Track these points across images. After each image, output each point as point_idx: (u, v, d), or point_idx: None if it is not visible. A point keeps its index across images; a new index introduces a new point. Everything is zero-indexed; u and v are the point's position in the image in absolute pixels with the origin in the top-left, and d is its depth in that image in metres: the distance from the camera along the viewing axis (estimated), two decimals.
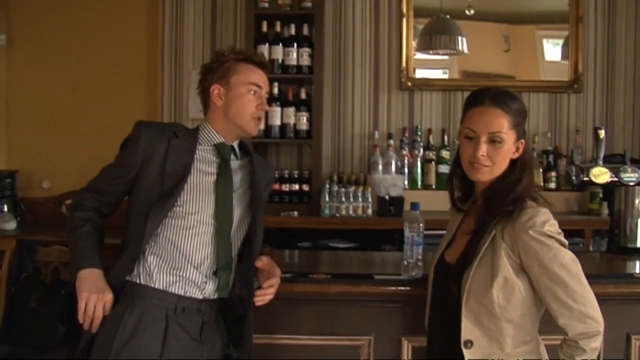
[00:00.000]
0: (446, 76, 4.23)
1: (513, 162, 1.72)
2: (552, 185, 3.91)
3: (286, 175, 3.85)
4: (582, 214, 3.80)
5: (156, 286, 1.79)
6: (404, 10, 4.08)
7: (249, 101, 1.91)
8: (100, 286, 1.76)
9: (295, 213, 3.68)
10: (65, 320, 3.05)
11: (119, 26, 4.21)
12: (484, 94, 1.72)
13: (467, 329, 1.65)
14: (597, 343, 1.61)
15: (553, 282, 1.60)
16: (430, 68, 4.23)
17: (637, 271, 2.47)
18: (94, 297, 1.74)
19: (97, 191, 1.91)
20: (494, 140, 1.69)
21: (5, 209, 4.01)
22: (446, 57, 4.21)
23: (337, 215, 3.63)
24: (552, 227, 1.63)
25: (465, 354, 1.65)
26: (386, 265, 2.58)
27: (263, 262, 1.95)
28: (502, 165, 1.71)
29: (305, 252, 3.24)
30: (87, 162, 4.14)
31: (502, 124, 1.69)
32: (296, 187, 3.82)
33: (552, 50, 4.23)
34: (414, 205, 2.09)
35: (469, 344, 1.65)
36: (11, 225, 3.96)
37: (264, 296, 1.90)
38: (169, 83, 4.13)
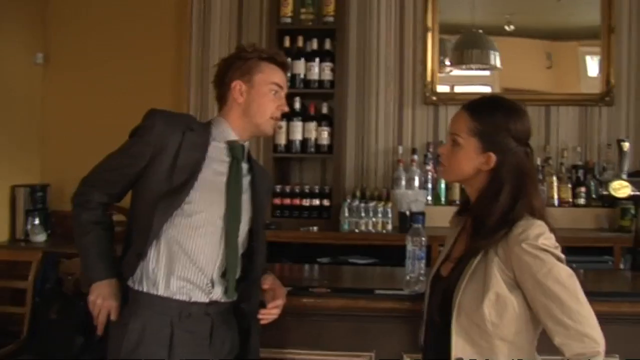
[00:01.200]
0: (473, 90, 4.16)
1: (493, 178, 1.64)
2: (582, 201, 3.76)
3: (307, 190, 3.83)
4: (613, 231, 3.64)
5: (159, 294, 1.76)
6: (429, 24, 4.04)
7: (270, 101, 1.89)
8: (108, 293, 1.77)
9: (315, 228, 3.65)
10: (84, 331, 3.14)
11: (150, 43, 4.30)
12: (471, 100, 1.70)
13: (458, 347, 1.58)
14: None
15: (548, 299, 1.52)
16: (468, 84, 4.18)
17: None
18: (99, 302, 1.77)
19: (103, 182, 1.84)
20: (453, 141, 1.67)
21: (37, 221, 4.14)
22: (487, 72, 4.14)
23: (357, 230, 3.58)
24: (547, 240, 1.56)
25: None
26: (393, 280, 2.53)
27: (268, 282, 1.93)
28: (458, 169, 1.67)
29: (320, 266, 3.21)
30: None
31: (461, 127, 1.66)
32: (317, 202, 3.80)
33: (594, 65, 4.11)
34: (416, 219, 2.06)
35: None
36: (41, 237, 4.07)
37: (268, 315, 1.88)
38: (195, 100, 4.19)
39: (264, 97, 1.88)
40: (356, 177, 4.06)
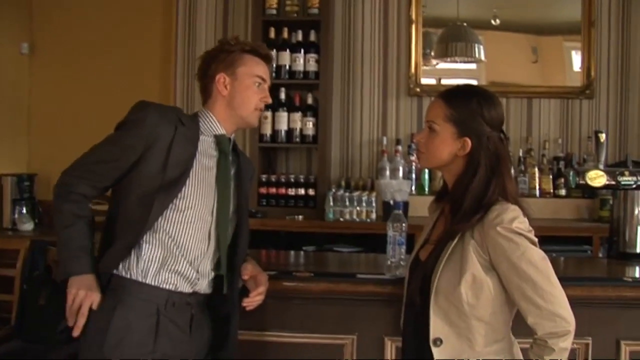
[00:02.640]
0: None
1: (469, 162, 1.69)
2: (563, 192, 3.85)
3: (292, 180, 3.88)
4: (593, 221, 3.73)
5: (148, 282, 1.77)
6: (413, 17, 4.09)
7: (254, 93, 1.91)
8: (90, 285, 1.74)
9: (300, 217, 3.70)
10: None
11: (135, 34, 4.34)
12: (446, 89, 1.76)
13: (437, 327, 1.64)
14: (566, 343, 1.58)
15: (521, 280, 1.58)
16: (454, 77, 4.23)
17: (637, 276, 2.41)
18: (82, 294, 1.73)
19: (90, 174, 1.80)
20: (430, 128, 1.73)
21: (24, 210, 4.15)
22: (473, 65, 4.20)
23: (341, 219, 3.64)
24: (521, 224, 1.61)
25: (434, 352, 1.63)
26: (376, 266, 2.58)
27: (248, 272, 1.94)
28: (436, 155, 1.72)
29: (305, 254, 3.25)
30: None
31: (438, 114, 1.71)
32: (302, 191, 3.85)
33: (578, 59, 4.18)
34: (397, 205, 2.11)
35: (438, 341, 1.64)
36: (28, 226, 4.09)
37: (252, 302, 1.92)
38: (182, 90, 4.22)
39: (247, 90, 1.90)
40: (341, 167, 4.12)
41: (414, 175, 3.94)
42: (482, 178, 1.66)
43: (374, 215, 3.66)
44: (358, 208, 3.64)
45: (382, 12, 4.13)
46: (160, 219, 1.77)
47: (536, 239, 1.63)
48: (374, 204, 3.67)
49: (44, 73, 4.48)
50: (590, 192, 3.72)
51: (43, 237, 3.74)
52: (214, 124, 1.91)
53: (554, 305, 1.57)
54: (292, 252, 3.12)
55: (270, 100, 1.97)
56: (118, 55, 4.33)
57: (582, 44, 4.03)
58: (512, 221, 1.60)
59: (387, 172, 3.90)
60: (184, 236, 1.81)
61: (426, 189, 3.94)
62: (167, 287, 1.80)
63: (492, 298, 1.62)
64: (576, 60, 4.14)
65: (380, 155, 4.02)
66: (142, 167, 1.77)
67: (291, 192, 3.83)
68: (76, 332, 1.75)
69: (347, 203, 3.64)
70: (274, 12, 3.86)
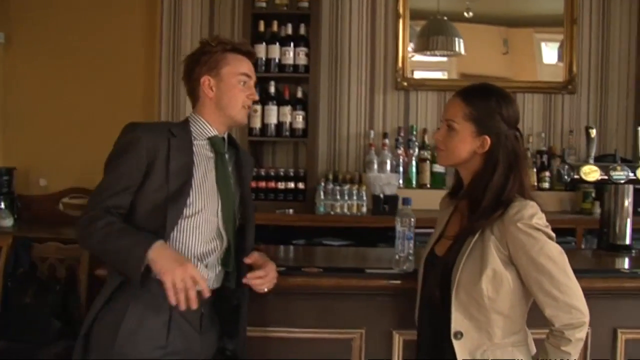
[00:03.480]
0: (442, 76, 4.27)
1: (487, 159, 1.74)
2: (546, 185, 3.94)
3: (282, 173, 3.88)
4: (575, 213, 3.83)
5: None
6: (401, 11, 4.12)
7: (240, 91, 1.92)
8: (177, 259, 1.70)
9: (291, 211, 3.70)
10: (60, 315, 3.11)
11: (117, 25, 4.25)
12: (463, 88, 1.80)
13: (457, 321, 1.68)
14: (582, 333, 1.64)
15: (540, 273, 1.63)
16: (428, 69, 4.26)
17: (626, 266, 2.49)
18: (179, 274, 1.67)
19: (110, 209, 1.77)
20: (449, 127, 1.77)
21: (2, 205, 4.06)
22: (444, 59, 4.24)
23: (332, 213, 3.65)
24: (540, 220, 1.66)
25: (455, 345, 1.67)
26: (379, 261, 2.61)
27: (254, 257, 1.94)
28: (456, 153, 1.76)
29: (300, 248, 3.27)
30: (84, 160, 4.20)
31: (457, 113, 1.75)
32: (292, 185, 3.85)
33: (549, 52, 4.27)
34: (406, 200, 2.12)
35: (459, 335, 1.68)
36: (8, 222, 3.99)
37: (248, 281, 1.88)
38: (167, 82, 4.16)
39: (233, 89, 1.91)
40: (328, 160, 4.13)
41: (401, 169, 3.98)
42: (501, 175, 1.70)
43: (364, 209, 3.69)
44: (349, 202, 3.66)
45: (370, 6, 4.14)
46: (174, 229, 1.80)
47: (554, 234, 1.68)
48: (364, 198, 3.69)
49: (21, 64, 4.35)
50: (572, 185, 3.81)
51: (24, 232, 3.68)
52: (206, 127, 1.93)
53: (571, 297, 1.63)
54: (291, 247, 3.12)
55: (257, 97, 2.00)
56: (99, 46, 4.23)
57: (565, 40, 4.12)
58: (532, 217, 1.64)
59: (375, 166, 3.93)
60: (194, 239, 1.84)
61: (414, 183, 3.99)
62: None
63: (511, 292, 1.67)
64: (546, 52, 4.23)
65: (367, 148, 4.05)
66: (147, 183, 1.79)
67: (281, 185, 3.83)
68: (194, 305, 1.69)
69: (338, 196, 3.66)
70: (264, 5, 3.84)
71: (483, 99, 1.75)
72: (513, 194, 1.70)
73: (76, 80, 4.28)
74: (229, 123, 1.96)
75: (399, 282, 2.11)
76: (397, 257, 2.12)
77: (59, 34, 4.29)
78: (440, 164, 1.81)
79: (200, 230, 1.84)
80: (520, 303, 1.70)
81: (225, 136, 1.99)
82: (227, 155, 1.98)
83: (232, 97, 1.91)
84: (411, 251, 2.11)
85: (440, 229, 1.87)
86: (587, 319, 1.64)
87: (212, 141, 1.93)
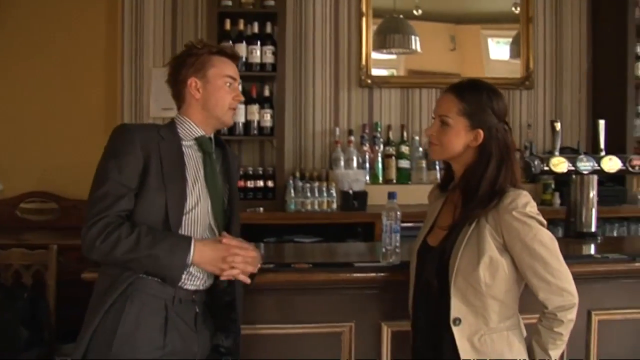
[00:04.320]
0: (394, 74, 4.34)
1: (480, 152, 1.80)
2: None
3: (250, 172, 3.87)
4: (537, 204, 3.97)
5: (155, 279, 1.79)
6: (364, 10, 4.17)
7: (226, 93, 1.94)
8: (215, 257, 1.79)
9: (261, 209, 3.70)
10: (29, 324, 3.01)
11: (78, 23, 4.16)
12: (454, 84, 1.85)
13: (456, 307, 1.74)
14: (573, 315, 1.73)
15: (533, 259, 1.70)
16: (381, 67, 4.32)
17: (593, 253, 2.61)
18: (226, 268, 1.80)
19: (120, 213, 1.76)
20: (442, 122, 1.82)
21: None
22: (394, 56, 4.31)
23: (303, 210, 3.67)
24: (533, 208, 1.74)
25: (454, 330, 1.73)
26: (359, 255, 2.65)
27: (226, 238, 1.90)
28: (450, 147, 1.81)
29: (277, 245, 3.27)
30: (42, 163, 4.09)
31: (451, 108, 1.81)
32: (260, 183, 3.85)
33: (498, 49, 4.41)
34: (392, 195, 2.16)
35: (458, 321, 1.73)
36: None
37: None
38: (129, 81, 4.08)
39: (219, 90, 1.94)
40: (295, 158, 4.15)
41: (367, 165, 4.03)
42: (495, 166, 1.77)
43: (334, 205, 3.72)
44: (319, 199, 3.69)
45: (333, 4, 4.19)
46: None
47: (545, 222, 1.76)
48: (334, 194, 3.73)
49: None
50: (532, 177, 3.95)
51: None
52: (192, 128, 1.95)
53: (562, 281, 1.72)
54: (272, 246, 3.12)
55: (242, 98, 2.03)
56: (58, 46, 4.16)
57: (521, 38, 4.28)
58: (525, 206, 1.73)
59: (342, 163, 3.98)
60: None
61: (380, 178, 4.05)
62: None
63: (506, 277, 1.74)
64: (494, 49, 4.37)
65: (333, 145, 4.09)
66: (145, 184, 1.79)
67: (250, 184, 3.82)
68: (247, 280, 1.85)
69: (308, 194, 3.68)
70: (229, 3, 3.82)
71: (475, 94, 1.81)
72: (506, 184, 1.77)
73: (34, 81, 4.17)
74: (216, 124, 1.99)
75: (387, 274, 2.15)
76: (384, 250, 2.16)
77: (17, 33, 4.17)
78: (434, 158, 1.86)
79: (193, 227, 1.85)
80: (513, 288, 1.77)
81: (212, 136, 2.01)
82: (214, 155, 1.99)
83: (218, 98, 1.93)
84: (398, 244, 2.15)
85: (432, 220, 1.92)
86: (577, 300, 1.73)
87: (199, 141, 1.95)
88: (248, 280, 1.86)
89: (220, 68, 1.94)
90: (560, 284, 1.71)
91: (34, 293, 3.08)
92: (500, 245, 1.73)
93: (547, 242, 1.72)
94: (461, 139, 1.80)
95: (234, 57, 2.01)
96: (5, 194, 4.17)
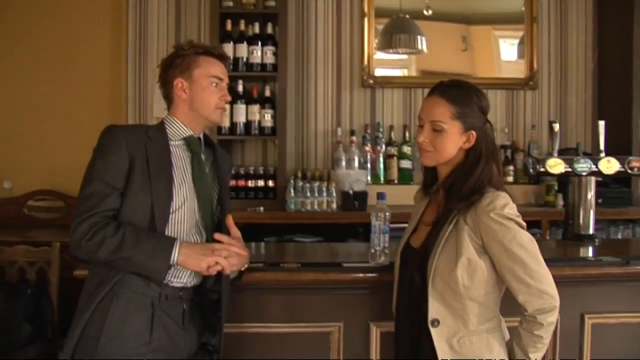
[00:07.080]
0: (406, 74, 4.33)
1: (469, 152, 1.79)
2: (510, 178, 4.05)
3: (251, 172, 3.89)
4: (539, 206, 3.95)
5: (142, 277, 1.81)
6: (366, 10, 4.17)
7: (212, 93, 1.96)
8: (199, 257, 1.81)
9: (261, 208, 3.72)
10: (32, 319, 3.06)
11: (83, 24, 4.19)
12: (438, 85, 1.82)
13: (434, 309, 1.73)
14: (553, 317, 1.70)
15: (512, 261, 1.68)
16: (389, 67, 4.31)
17: (589, 255, 2.59)
18: (204, 266, 1.81)
19: (106, 212, 1.79)
20: (435, 129, 1.78)
21: None
22: (405, 56, 4.30)
23: (303, 210, 3.68)
24: (512, 209, 1.71)
25: (432, 332, 1.72)
26: (351, 255, 2.65)
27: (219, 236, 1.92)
28: (445, 153, 1.79)
29: (275, 245, 3.29)
30: (50, 162, 4.15)
31: (443, 113, 1.77)
32: (261, 183, 3.87)
33: (508, 49, 4.38)
34: (381, 195, 2.16)
35: (436, 322, 1.72)
36: None
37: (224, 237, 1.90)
38: (133, 82, 4.12)
39: (205, 90, 1.95)
40: (297, 158, 4.16)
41: (369, 165, 4.03)
42: (484, 165, 1.76)
43: (334, 205, 3.73)
44: (319, 199, 3.70)
45: (335, 4, 4.19)
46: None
47: (524, 224, 1.74)
48: (334, 194, 3.73)
49: None
50: (536, 178, 3.93)
51: None
52: (181, 128, 1.97)
53: (542, 283, 1.69)
54: (270, 245, 3.13)
55: (229, 98, 2.04)
56: (64, 46, 4.18)
57: (526, 38, 4.25)
58: (504, 207, 1.70)
59: (343, 163, 3.99)
60: (173, 236, 1.85)
61: (382, 179, 4.04)
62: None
63: (485, 280, 1.72)
64: (505, 49, 4.34)
65: (335, 146, 4.09)
66: (132, 182, 1.81)
67: (251, 184, 3.84)
68: (228, 270, 1.87)
69: (308, 194, 3.69)
70: (231, 4, 3.84)
71: (464, 96, 1.78)
72: (487, 181, 1.75)
73: (41, 80, 4.21)
74: (205, 123, 2.00)
75: (375, 275, 2.15)
76: (372, 250, 2.16)
77: (23, 31, 4.21)
78: (427, 165, 1.82)
79: (179, 227, 1.87)
80: (493, 290, 1.75)
81: (202, 136, 2.02)
82: (203, 155, 2.01)
83: (203, 98, 1.95)
84: (386, 245, 2.15)
85: (416, 221, 1.92)
86: (557, 303, 1.70)
87: (188, 141, 1.97)
88: (228, 271, 1.88)
89: (206, 68, 1.96)
90: (540, 286, 1.68)
91: (38, 289, 3.13)
92: (479, 246, 1.72)
93: (526, 244, 1.69)
94: (456, 143, 1.78)
95: (221, 57, 2.02)
96: (14, 192, 4.23)
